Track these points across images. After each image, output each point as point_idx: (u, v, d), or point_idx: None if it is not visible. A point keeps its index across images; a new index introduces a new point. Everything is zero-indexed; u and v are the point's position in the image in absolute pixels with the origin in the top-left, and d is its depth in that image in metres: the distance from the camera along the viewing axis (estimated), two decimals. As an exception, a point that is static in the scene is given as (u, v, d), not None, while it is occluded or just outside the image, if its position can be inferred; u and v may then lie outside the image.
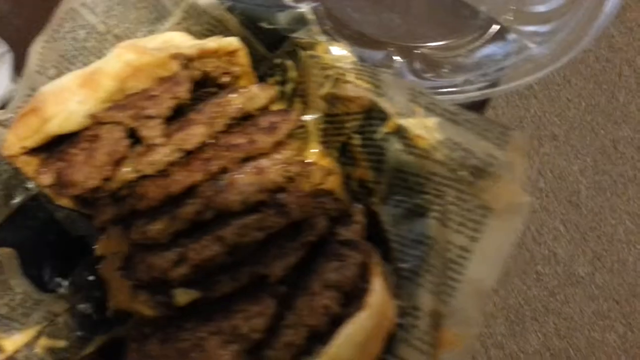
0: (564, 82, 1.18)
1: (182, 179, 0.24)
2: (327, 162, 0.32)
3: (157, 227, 0.24)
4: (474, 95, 0.31)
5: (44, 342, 0.28)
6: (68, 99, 0.25)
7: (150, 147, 0.25)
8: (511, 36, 0.35)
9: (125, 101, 0.26)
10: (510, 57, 0.34)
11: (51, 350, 0.28)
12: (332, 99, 0.30)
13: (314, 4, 0.37)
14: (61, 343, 0.28)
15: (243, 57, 0.30)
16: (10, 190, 0.30)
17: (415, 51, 0.36)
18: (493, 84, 0.33)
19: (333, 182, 0.31)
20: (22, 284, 0.29)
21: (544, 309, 1.04)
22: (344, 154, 0.31)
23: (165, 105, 0.25)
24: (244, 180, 0.24)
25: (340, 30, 0.37)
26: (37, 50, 0.29)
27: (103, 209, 0.26)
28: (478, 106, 0.37)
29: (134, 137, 0.25)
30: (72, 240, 0.32)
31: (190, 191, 0.25)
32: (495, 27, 0.37)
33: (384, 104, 0.27)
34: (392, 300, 0.25)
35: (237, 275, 0.24)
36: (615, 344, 0.99)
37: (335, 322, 0.23)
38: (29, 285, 0.29)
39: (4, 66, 0.31)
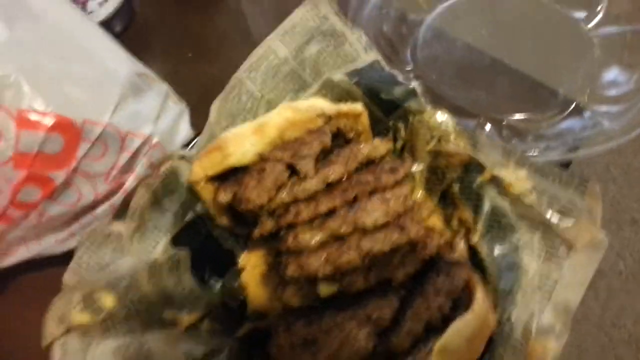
0: (644, 168, 1.19)
1: (327, 202, 0.32)
2: (430, 205, 0.39)
3: (307, 237, 0.31)
4: (553, 159, 0.37)
5: (206, 324, 0.35)
6: (244, 141, 0.35)
7: (304, 179, 0.33)
8: (587, 114, 0.42)
9: (284, 146, 0.34)
10: (585, 130, 0.40)
11: (212, 331, 0.34)
12: (436, 154, 0.37)
13: (416, 82, 0.45)
14: (218, 327, 0.35)
15: (365, 119, 0.39)
16: (184, 210, 0.38)
17: (503, 122, 0.43)
18: (571, 150, 0.40)
19: (436, 220, 0.38)
20: (190, 279, 0.37)
21: (624, 395, 0.98)
22: (444, 199, 0.38)
23: (315, 149, 0.34)
24: (374, 207, 0.31)
25: (438, 103, 0.45)
26: (215, 107, 0.39)
27: (264, 222, 0.34)
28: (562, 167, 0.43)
29: (289, 172, 0.34)
30: (223, 251, 0.40)
31: (330, 213, 0.32)
32: (572, 106, 0.44)
33: (481, 158, 0.34)
34: (491, 311, 0.31)
35: (368, 276, 0.30)
36: None
37: (446, 320, 0.29)
38: (194, 281, 0.37)
39: (185, 118, 0.41)
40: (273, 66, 0.41)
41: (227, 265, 0.39)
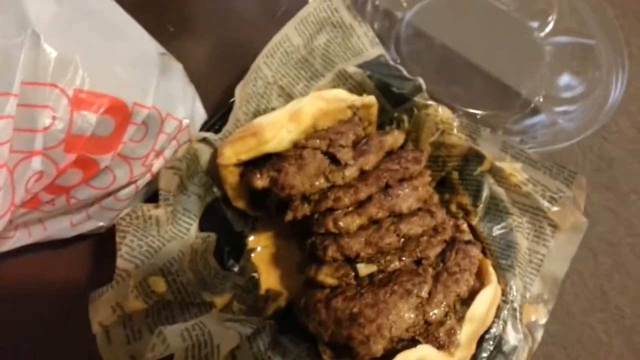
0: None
1: (365, 190, 0.35)
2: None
3: (348, 222, 0.34)
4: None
5: (236, 305, 0.36)
6: (281, 128, 0.36)
7: (344, 167, 0.35)
8: (545, 113, 0.50)
9: (318, 135, 0.37)
10: (545, 128, 0.48)
11: (242, 311, 0.36)
12: (438, 145, 0.42)
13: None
14: (244, 307, 0.37)
15: (375, 110, 0.42)
16: (205, 192, 0.39)
17: (477, 117, 0.50)
18: (542, 145, 0.47)
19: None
20: (213, 261, 0.38)
21: None
22: (443, 184, 0.43)
23: (350, 139, 0.36)
24: (407, 194, 0.35)
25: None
26: (237, 91, 0.40)
27: (298, 207, 0.36)
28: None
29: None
30: (235, 234, 0.41)
31: (367, 199, 0.35)
32: (531, 106, 0.51)
33: (482, 149, 0.40)
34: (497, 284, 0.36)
35: (403, 257, 0.34)
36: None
37: (473, 293, 0.34)
38: (216, 263, 0.38)
39: (198, 99, 0.41)
40: (287, 53, 0.43)
41: (241, 248, 0.41)
